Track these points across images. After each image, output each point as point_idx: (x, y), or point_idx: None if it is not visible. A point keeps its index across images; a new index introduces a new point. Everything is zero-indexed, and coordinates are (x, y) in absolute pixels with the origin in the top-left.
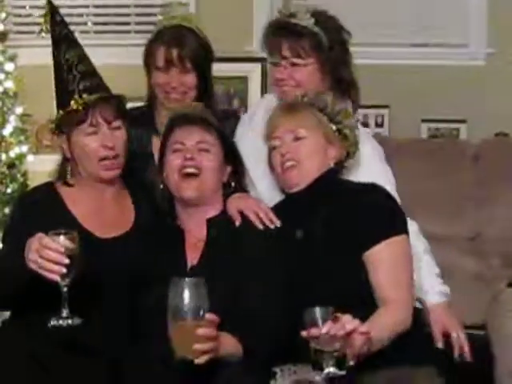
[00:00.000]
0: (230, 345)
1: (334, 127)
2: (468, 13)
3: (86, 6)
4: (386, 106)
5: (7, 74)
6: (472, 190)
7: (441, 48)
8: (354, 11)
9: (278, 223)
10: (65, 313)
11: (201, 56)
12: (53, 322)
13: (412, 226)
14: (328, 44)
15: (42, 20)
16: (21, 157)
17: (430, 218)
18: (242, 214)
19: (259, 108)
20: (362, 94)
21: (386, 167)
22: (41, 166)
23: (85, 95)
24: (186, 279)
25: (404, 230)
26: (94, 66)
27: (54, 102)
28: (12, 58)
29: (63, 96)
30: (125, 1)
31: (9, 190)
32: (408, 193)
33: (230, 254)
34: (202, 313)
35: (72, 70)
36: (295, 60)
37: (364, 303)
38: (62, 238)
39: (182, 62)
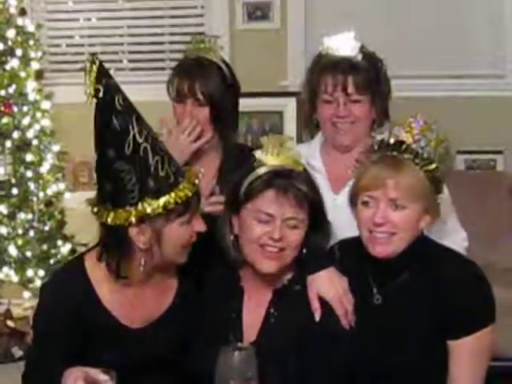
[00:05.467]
0: None
1: (433, 188)
2: (504, 43)
3: (121, 44)
4: None
5: (44, 112)
6: (509, 220)
7: (477, 79)
8: (393, 43)
9: (353, 324)
10: None
11: (216, 90)
12: None
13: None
14: (377, 78)
15: (78, 58)
16: (58, 194)
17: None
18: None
19: (313, 160)
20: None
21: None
22: (78, 204)
23: (180, 179)
24: (236, 350)
25: (493, 319)
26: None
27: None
28: (48, 96)
29: (151, 183)
30: (159, 38)
31: (46, 228)
32: None
33: (293, 335)
34: (250, 382)
35: (156, 150)
36: (357, 97)
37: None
38: (100, 375)
39: (194, 95)
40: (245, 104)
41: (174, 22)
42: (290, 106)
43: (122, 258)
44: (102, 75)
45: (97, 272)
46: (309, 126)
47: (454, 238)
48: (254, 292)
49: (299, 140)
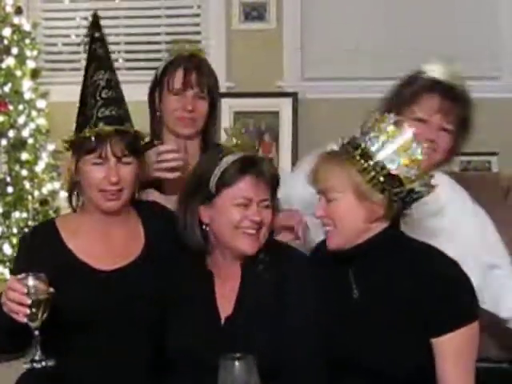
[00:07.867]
0: None
1: (367, 176)
2: (500, 45)
3: (117, 43)
4: None
5: (39, 110)
6: (504, 222)
7: (472, 80)
8: (389, 44)
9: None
10: (37, 355)
11: (215, 86)
12: (26, 365)
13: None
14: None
15: (74, 57)
16: (53, 193)
17: None
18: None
19: None
20: None
21: (478, 219)
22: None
23: (101, 124)
24: (236, 362)
25: (476, 316)
26: (123, 95)
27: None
28: (44, 95)
29: (81, 119)
30: (155, 37)
31: None
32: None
33: (267, 303)
34: None
35: (96, 93)
36: (446, 125)
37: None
38: (29, 278)
39: (200, 86)
40: (241, 104)
41: (170, 21)
42: (286, 107)
43: (70, 188)
44: (91, 28)
45: (65, 221)
46: None
47: None
48: (224, 271)
49: (295, 139)
